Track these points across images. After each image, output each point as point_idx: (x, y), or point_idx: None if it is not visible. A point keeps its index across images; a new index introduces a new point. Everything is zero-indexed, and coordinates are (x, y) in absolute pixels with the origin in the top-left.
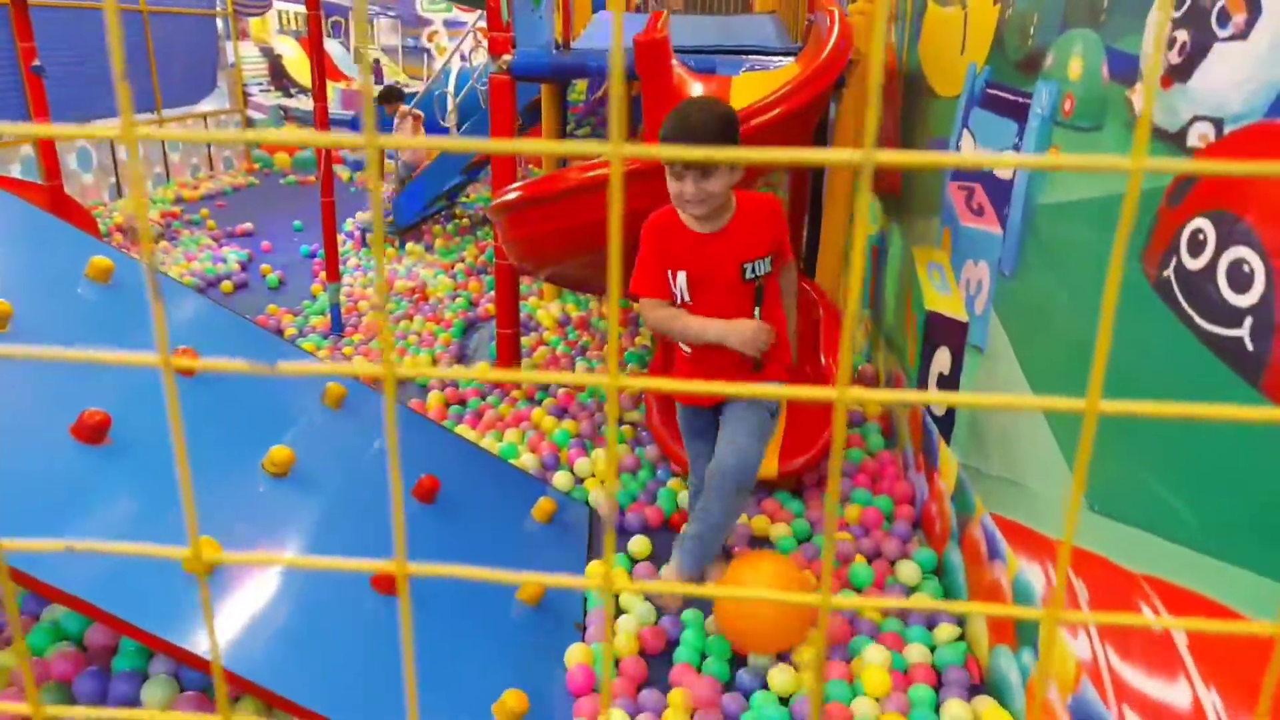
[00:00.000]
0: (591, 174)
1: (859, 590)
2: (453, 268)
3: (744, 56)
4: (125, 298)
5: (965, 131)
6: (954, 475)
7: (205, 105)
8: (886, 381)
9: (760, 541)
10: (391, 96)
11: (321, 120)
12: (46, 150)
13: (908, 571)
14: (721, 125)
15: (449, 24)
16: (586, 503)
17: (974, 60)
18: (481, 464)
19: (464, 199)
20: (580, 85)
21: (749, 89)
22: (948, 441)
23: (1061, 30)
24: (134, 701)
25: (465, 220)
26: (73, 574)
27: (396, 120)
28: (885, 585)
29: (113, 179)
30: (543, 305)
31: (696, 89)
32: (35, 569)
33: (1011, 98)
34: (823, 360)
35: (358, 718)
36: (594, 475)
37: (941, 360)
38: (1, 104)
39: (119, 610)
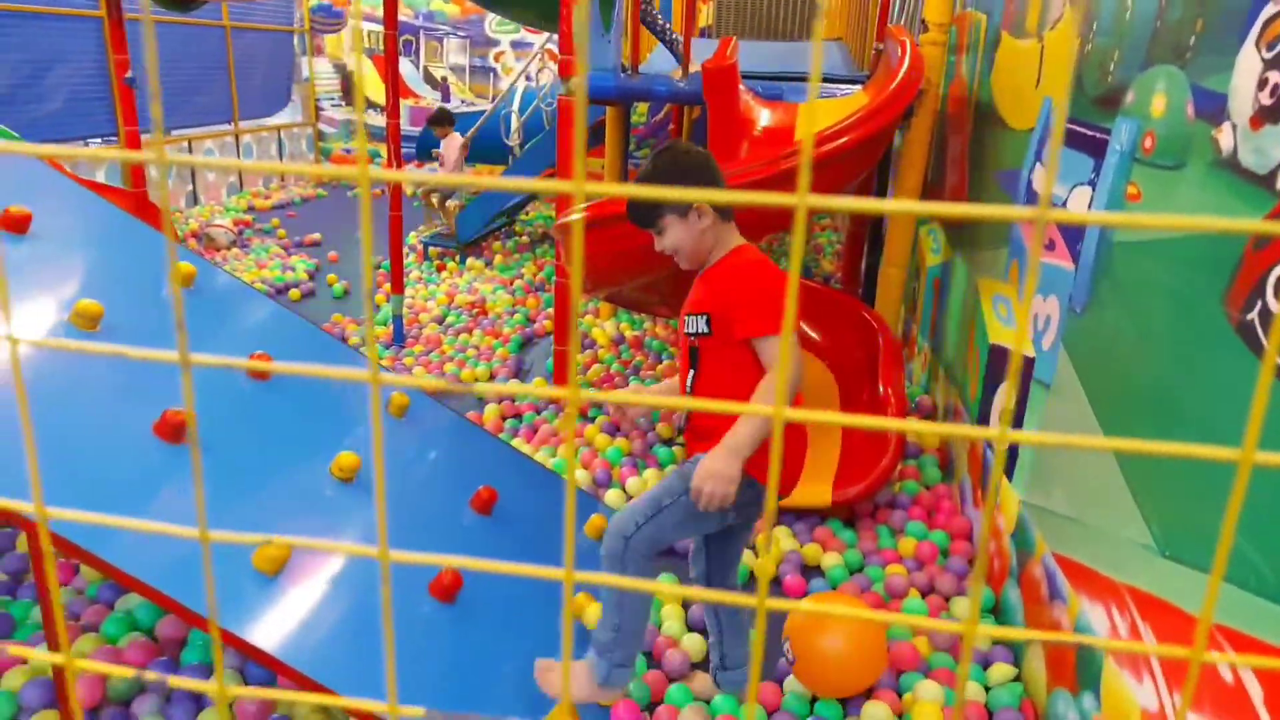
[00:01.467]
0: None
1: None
2: (511, 284)
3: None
4: (206, 302)
5: (1039, 165)
6: (1015, 512)
7: (280, 118)
8: (945, 414)
9: (811, 571)
10: (441, 120)
11: (394, 135)
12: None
13: (963, 608)
14: (671, 174)
15: (516, 45)
16: None
17: (1049, 94)
18: (536, 478)
19: (523, 216)
20: (642, 108)
21: (816, 116)
22: (1009, 477)
23: (1144, 67)
24: (198, 694)
25: (525, 238)
26: (146, 561)
27: (444, 144)
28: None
29: (190, 187)
30: (598, 323)
31: (764, 115)
32: (112, 554)
33: (1088, 133)
34: (880, 389)
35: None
36: None
37: (1005, 395)
38: (90, 113)
39: (188, 600)
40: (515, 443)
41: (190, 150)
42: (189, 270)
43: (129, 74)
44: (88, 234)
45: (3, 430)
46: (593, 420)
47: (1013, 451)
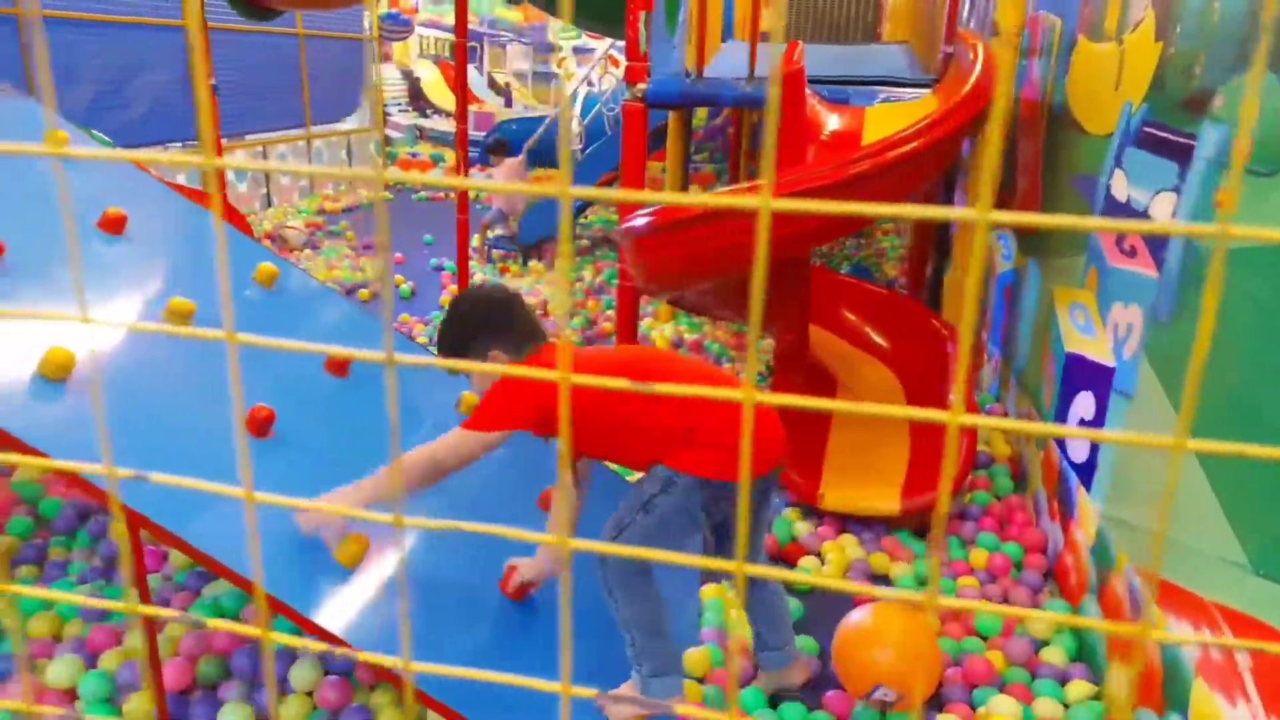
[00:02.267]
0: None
1: (985, 639)
2: (573, 286)
3: (876, 87)
4: (287, 302)
5: (1118, 170)
6: (1094, 525)
7: (349, 123)
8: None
9: (880, 580)
10: (499, 149)
11: (462, 141)
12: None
13: (1038, 626)
14: (460, 322)
15: (578, 50)
16: None
17: (1130, 98)
18: (600, 479)
19: (584, 220)
20: (701, 112)
21: (884, 120)
22: (1088, 489)
23: (1235, 70)
24: (283, 680)
25: (585, 241)
26: (228, 545)
27: (500, 170)
28: (1013, 636)
29: (264, 190)
30: (658, 326)
31: (830, 120)
32: (198, 540)
33: (1173, 138)
34: (951, 399)
35: (482, 713)
36: None
37: (1084, 405)
38: (171, 117)
39: (273, 588)
40: None
41: (265, 154)
42: (272, 271)
43: (212, 81)
44: (177, 234)
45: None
46: None
47: (1091, 462)
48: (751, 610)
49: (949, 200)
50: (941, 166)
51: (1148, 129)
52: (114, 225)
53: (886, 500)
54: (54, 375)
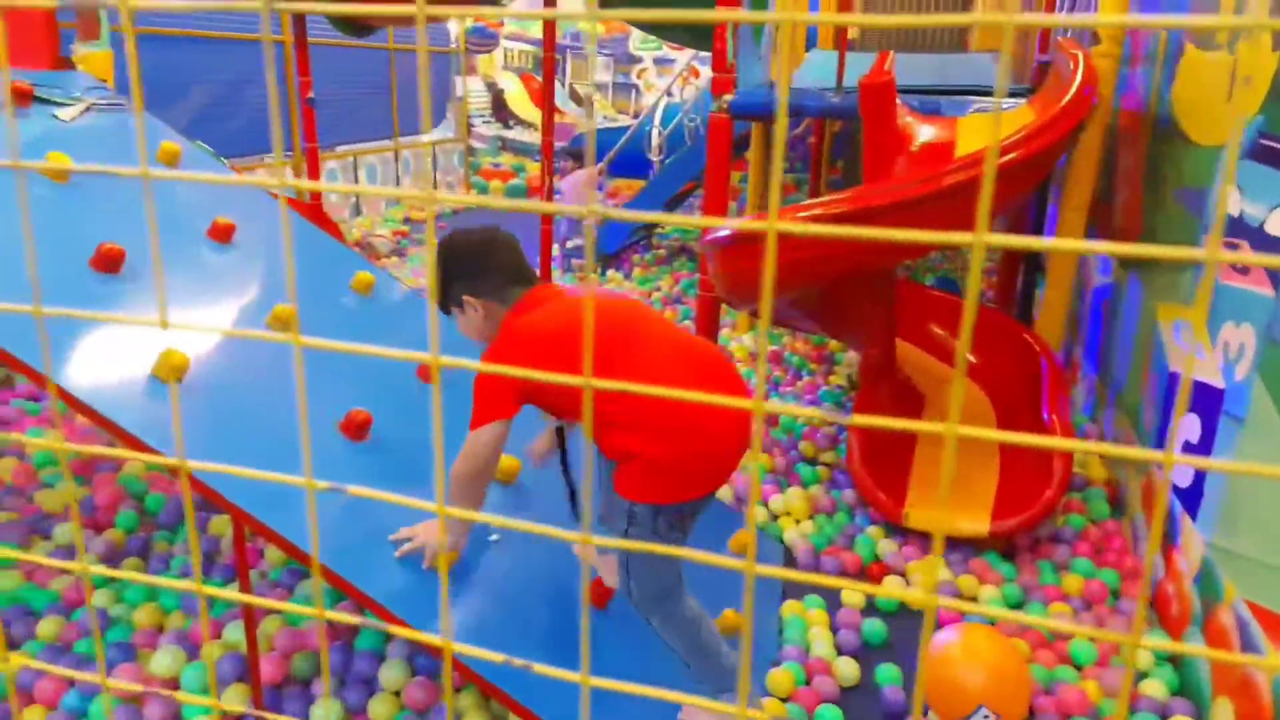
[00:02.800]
0: (804, 214)
1: (1079, 668)
2: (649, 295)
3: (968, 97)
4: (382, 309)
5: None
6: (1198, 554)
7: (434, 134)
8: (1114, 444)
9: (968, 602)
10: (573, 156)
11: (548, 151)
12: (312, 169)
13: (1140, 656)
14: (440, 266)
15: (659, 62)
16: (781, 540)
17: (1245, 109)
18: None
19: (661, 230)
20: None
21: (978, 131)
22: (1193, 516)
23: None
24: (372, 679)
25: (662, 250)
26: (324, 546)
27: (569, 179)
28: (1110, 666)
29: (352, 198)
30: (736, 337)
31: (922, 131)
32: (294, 535)
33: None
34: (1045, 417)
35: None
36: (789, 513)
37: (1188, 427)
38: (265, 129)
39: (364, 586)
40: None
41: (355, 164)
42: (369, 279)
43: (310, 94)
44: (280, 243)
45: (211, 419)
46: None
47: (1196, 489)
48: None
49: (1041, 213)
50: (1039, 179)
51: (1263, 141)
52: (223, 234)
53: (975, 521)
54: (168, 376)
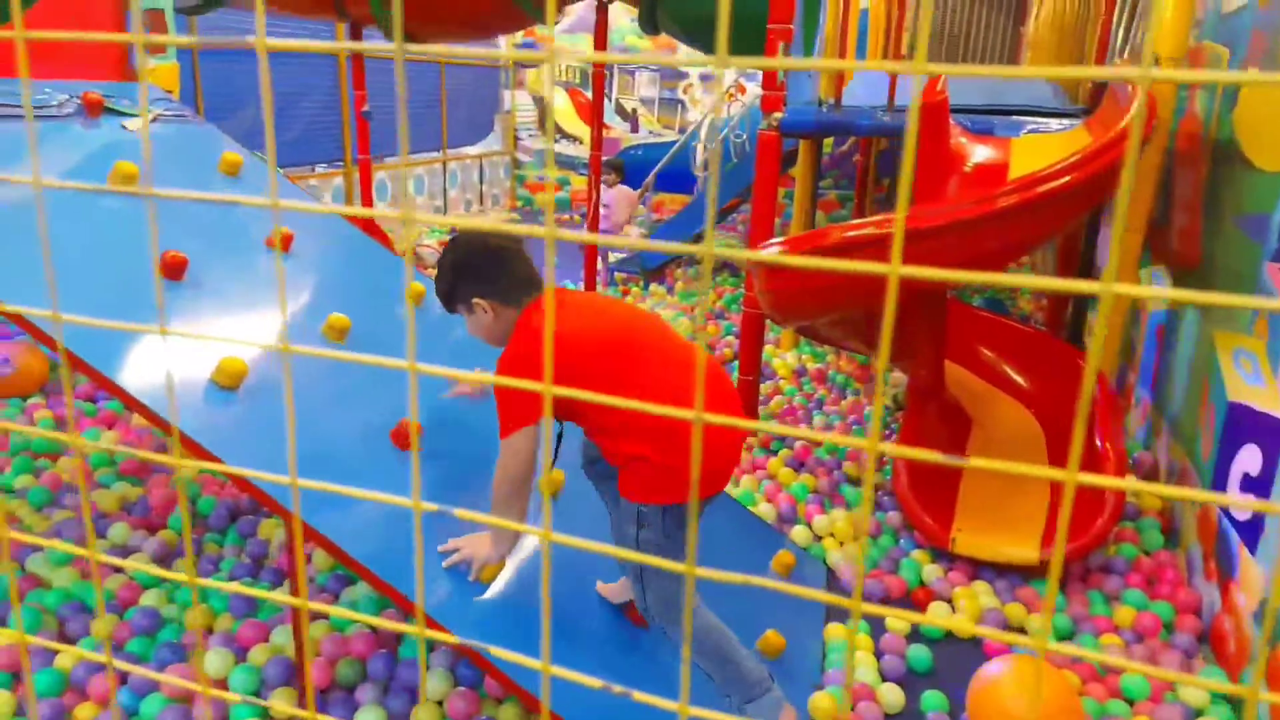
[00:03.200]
0: (854, 234)
1: (1132, 703)
2: (692, 310)
3: (1021, 118)
4: (431, 319)
5: None
6: (1258, 589)
7: (481, 146)
8: (1169, 475)
9: (1015, 632)
10: (614, 169)
11: (595, 166)
12: (365, 184)
13: (1192, 691)
14: (447, 268)
15: (704, 78)
16: (824, 561)
17: None
18: (723, 508)
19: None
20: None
21: (1032, 153)
22: (1252, 550)
23: None
24: (413, 687)
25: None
26: (369, 549)
27: (613, 194)
28: (1163, 703)
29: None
30: (779, 354)
31: (975, 151)
32: (342, 540)
33: None
34: (1098, 444)
35: None
36: (832, 535)
37: (1249, 459)
38: (321, 141)
39: (402, 586)
40: None
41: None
42: (419, 289)
43: (365, 108)
44: (335, 253)
45: (268, 424)
46: (775, 454)
47: (1256, 522)
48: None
49: (1094, 237)
50: (1094, 203)
51: None
52: (282, 244)
53: (1024, 549)
54: (227, 383)
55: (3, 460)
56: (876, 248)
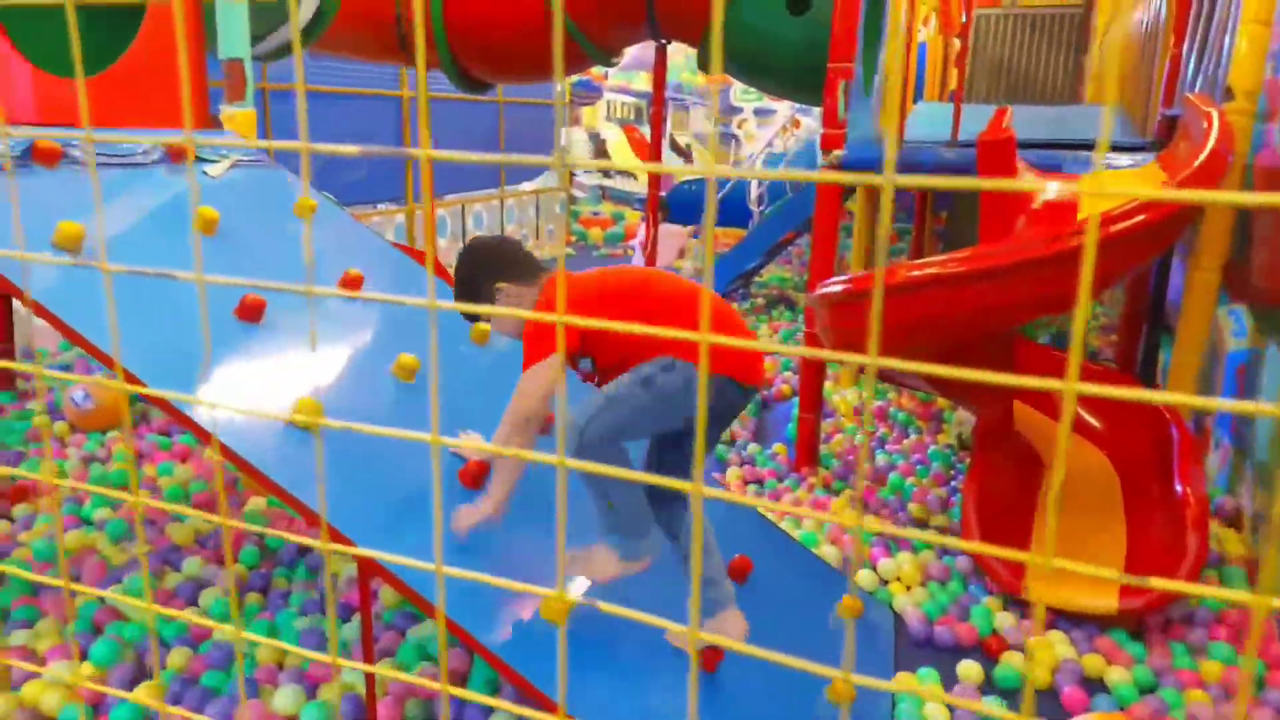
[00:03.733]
0: (920, 273)
1: None
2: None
3: (1087, 152)
4: (495, 358)
5: None
6: None
7: (537, 183)
8: (1255, 522)
9: (1093, 684)
10: (660, 207)
11: (653, 203)
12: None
13: None
14: (466, 270)
15: (759, 112)
16: (891, 607)
17: None
18: (787, 549)
19: (759, 279)
20: None
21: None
22: None
23: None
24: None
25: (760, 299)
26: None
27: (669, 234)
28: None
29: (460, 244)
30: (838, 390)
31: (1049, 188)
32: (410, 577)
33: None
34: (1178, 489)
35: None
36: (898, 579)
37: None
38: (385, 180)
39: (472, 627)
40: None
41: (463, 212)
42: (484, 329)
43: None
44: (401, 292)
45: (341, 463)
46: (838, 494)
47: None
48: (674, 539)
49: (1164, 273)
50: (1169, 243)
51: None
52: (353, 284)
53: (1102, 597)
54: (304, 423)
55: (82, 493)
56: (943, 287)
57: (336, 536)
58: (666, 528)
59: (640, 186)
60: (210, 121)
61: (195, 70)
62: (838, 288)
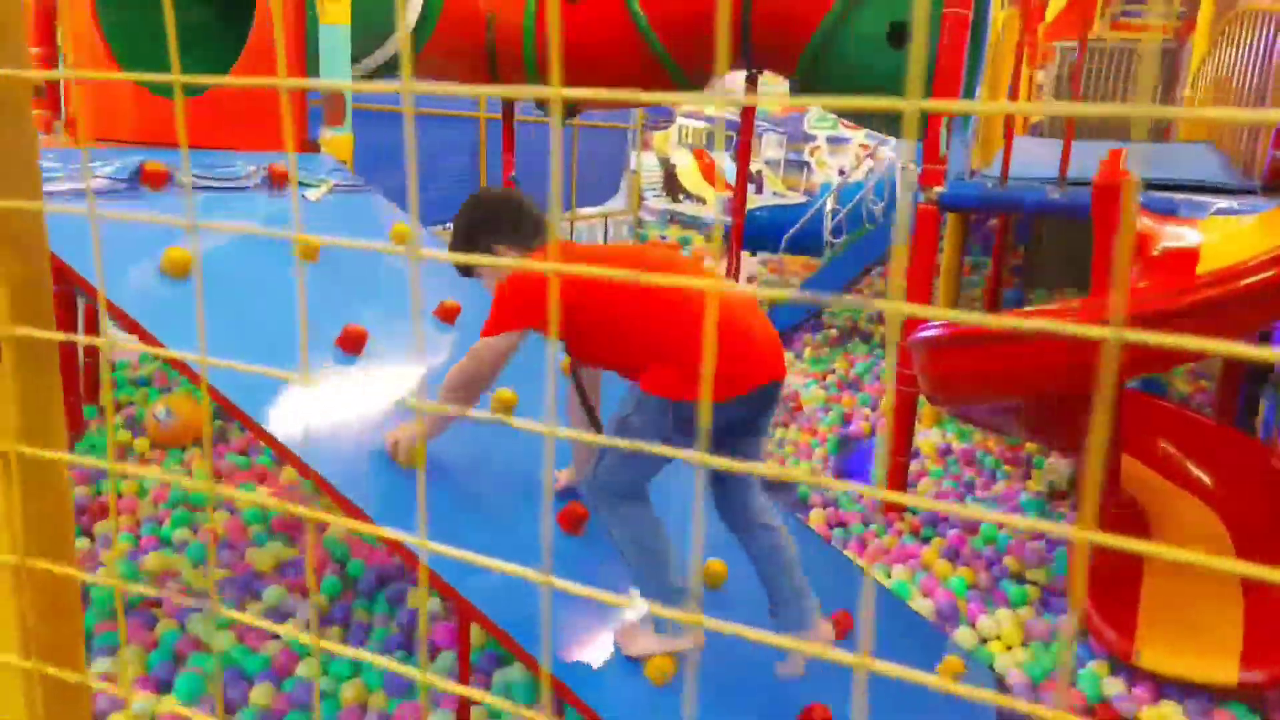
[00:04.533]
0: (1027, 321)
1: None
2: (824, 378)
3: (1204, 196)
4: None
5: None
6: None
7: (605, 206)
8: None
9: None
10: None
11: (737, 235)
12: None
13: None
14: (465, 221)
15: (832, 140)
16: (992, 668)
17: None
18: (885, 606)
19: (831, 310)
20: None
21: (1227, 238)
22: None
23: None
24: None
25: (834, 331)
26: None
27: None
28: None
29: None
30: (921, 430)
31: (1163, 235)
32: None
33: None
34: None
35: None
36: (999, 638)
37: None
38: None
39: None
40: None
41: None
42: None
43: (513, 173)
44: None
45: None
46: (928, 542)
47: None
48: (753, 560)
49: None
50: None
51: None
52: (449, 315)
53: (1222, 669)
54: (406, 462)
55: (163, 511)
56: (1051, 337)
57: (433, 577)
58: (746, 549)
59: (708, 211)
60: (308, 146)
61: (296, 94)
62: (937, 331)
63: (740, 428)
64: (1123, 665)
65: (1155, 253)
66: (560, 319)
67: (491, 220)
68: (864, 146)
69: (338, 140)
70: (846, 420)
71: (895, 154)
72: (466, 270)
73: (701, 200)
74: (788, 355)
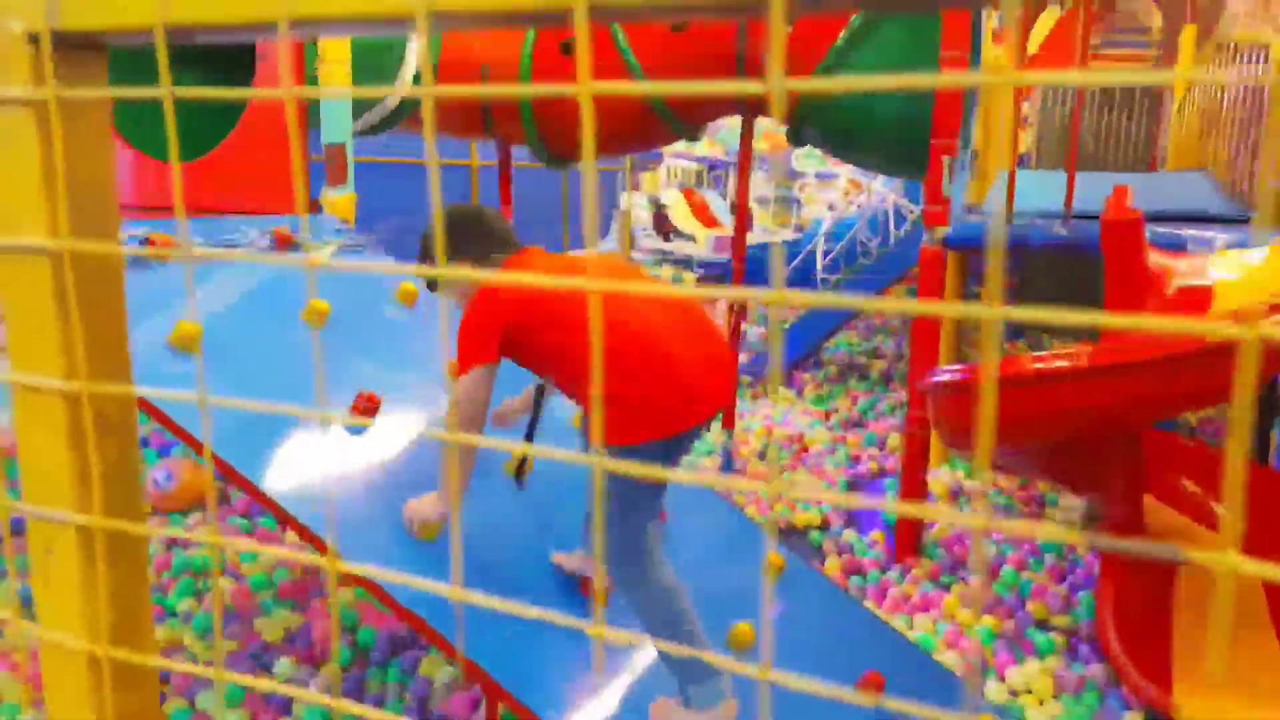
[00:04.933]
0: (1045, 366)
1: None
2: (828, 418)
3: (1209, 230)
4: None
5: None
6: None
7: (599, 247)
8: None
9: None
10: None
11: (739, 275)
12: None
13: None
14: (429, 236)
15: (819, 176)
16: None
17: None
18: (911, 660)
19: (829, 345)
20: None
21: (1237, 273)
22: None
23: None
24: None
25: (833, 368)
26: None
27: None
28: None
29: None
30: (932, 470)
31: (1174, 271)
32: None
33: None
34: None
35: None
36: (1029, 691)
37: None
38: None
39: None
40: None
41: None
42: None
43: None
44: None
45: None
46: (948, 588)
47: None
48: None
49: None
50: None
51: None
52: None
53: (1262, 718)
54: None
55: (166, 580)
56: (1070, 382)
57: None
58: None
59: (700, 250)
60: (314, 206)
61: (302, 153)
62: (952, 377)
63: (674, 461)
64: (1157, 715)
65: (1169, 292)
66: (514, 341)
67: (455, 236)
68: (853, 182)
69: (341, 200)
70: (854, 460)
71: (887, 189)
72: (432, 284)
73: (692, 238)
74: (789, 394)
